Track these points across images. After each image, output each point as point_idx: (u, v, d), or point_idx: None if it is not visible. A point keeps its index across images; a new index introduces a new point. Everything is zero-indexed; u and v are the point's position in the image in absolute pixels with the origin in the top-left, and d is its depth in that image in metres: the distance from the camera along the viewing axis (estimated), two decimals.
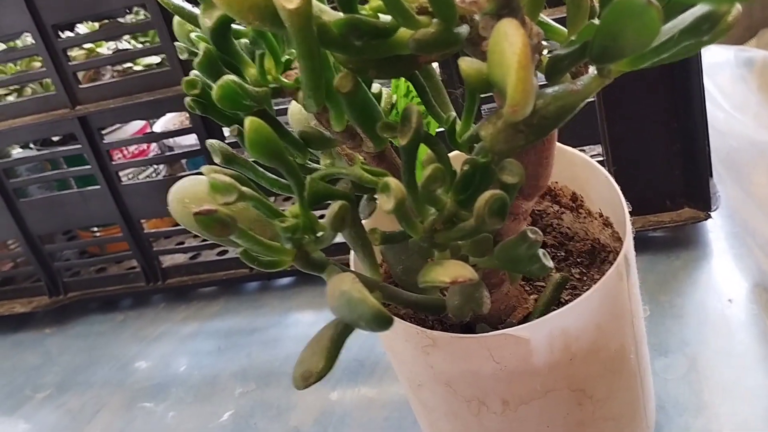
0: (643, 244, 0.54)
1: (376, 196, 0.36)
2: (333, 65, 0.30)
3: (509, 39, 0.22)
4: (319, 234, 0.29)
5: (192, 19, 0.32)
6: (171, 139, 0.70)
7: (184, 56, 0.33)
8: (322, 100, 0.29)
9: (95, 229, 0.72)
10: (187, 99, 0.31)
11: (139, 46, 0.65)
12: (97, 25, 0.60)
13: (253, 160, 0.30)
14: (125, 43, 0.64)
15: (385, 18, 0.27)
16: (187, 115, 0.72)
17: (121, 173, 0.65)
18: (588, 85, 0.27)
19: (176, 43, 0.33)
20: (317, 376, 0.29)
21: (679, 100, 0.49)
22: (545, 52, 0.29)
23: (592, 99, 0.50)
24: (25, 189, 0.67)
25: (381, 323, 0.25)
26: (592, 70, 0.27)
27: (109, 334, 0.66)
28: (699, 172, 0.51)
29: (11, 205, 0.65)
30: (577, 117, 0.53)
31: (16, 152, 0.72)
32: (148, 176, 0.70)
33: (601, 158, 0.53)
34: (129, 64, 0.65)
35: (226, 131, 0.60)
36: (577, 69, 0.31)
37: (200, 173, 0.57)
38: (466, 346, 0.33)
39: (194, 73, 0.31)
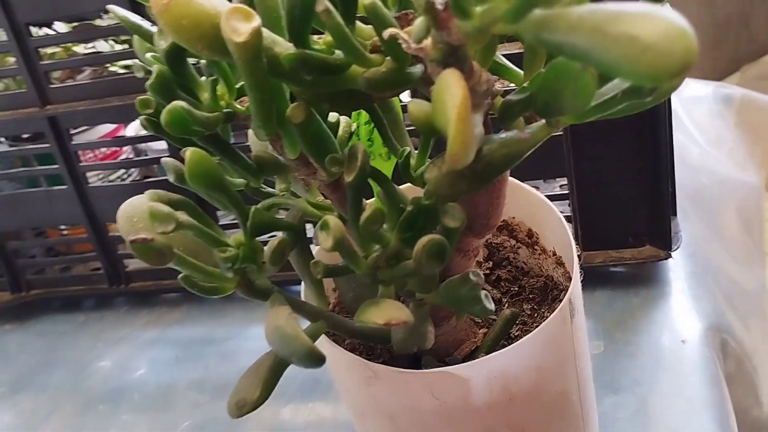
0: (603, 279, 0.55)
1: None
2: (289, 94, 0.30)
3: (450, 90, 0.22)
4: (263, 263, 0.29)
5: (149, 38, 0.32)
6: (144, 143, 0.70)
7: (140, 74, 0.32)
8: (273, 129, 0.29)
9: (63, 227, 0.71)
10: (141, 118, 0.31)
11: (118, 47, 0.65)
12: (71, 26, 0.59)
13: None
14: (103, 44, 0.64)
15: (340, 54, 0.27)
16: None
17: (91, 174, 0.65)
18: (536, 134, 0.27)
19: (134, 61, 0.33)
20: (252, 406, 0.29)
21: (646, 141, 0.49)
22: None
23: (560, 133, 0.50)
24: None
25: (313, 361, 0.25)
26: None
27: (70, 334, 0.66)
28: (662, 212, 0.51)
29: None
30: (543, 150, 0.53)
31: None
32: (119, 177, 0.70)
33: (566, 191, 0.53)
34: (107, 65, 0.65)
35: None
36: (530, 114, 0.31)
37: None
38: (407, 381, 0.33)
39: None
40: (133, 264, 0.68)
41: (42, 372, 0.62)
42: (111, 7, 0.31)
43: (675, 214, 0.54)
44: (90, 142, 0.64)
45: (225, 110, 0.31)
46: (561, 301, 0.39)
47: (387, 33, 0.24)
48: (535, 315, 0.40)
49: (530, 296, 0.41)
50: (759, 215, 0.72)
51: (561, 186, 0.62)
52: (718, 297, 0.54)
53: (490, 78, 0.27)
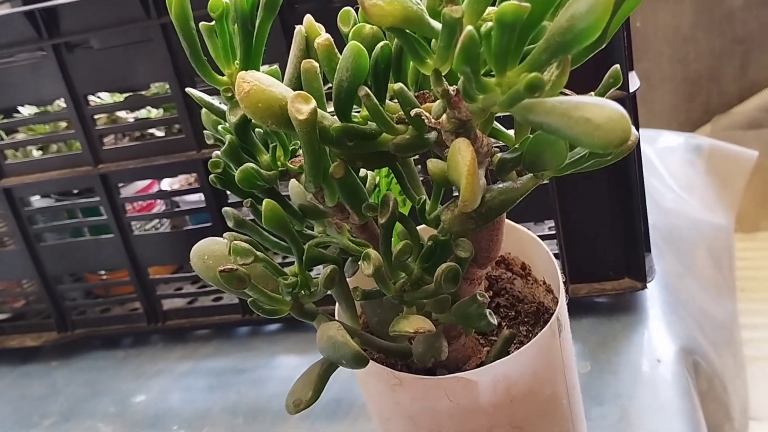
0: (588, 308, 0.62)
1: (358, 261, 0.44)
2: (329, 154, 0.38)
3: (461, 153, 0.31)
4: (313, 289, 0.37)
5: (220, 113, 0.40)
6: (177, 196, 0.78)
7: (210, 141, 0.41)
8: (319, 183, 0.37)
9: (102, 272, 0.79)
10: (212, 176, 0.39)
11: (154, 112, 0.74)
12: (122, 96, 0.68)
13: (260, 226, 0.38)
14: (144, 111, 0.73)
15: (372, 124, 0.35)
16: (194, 175, 0.79)
17: (134, 224, 0.72)
18: (525, 184, 0.35)
19: (205, 131, 0.41)
20: (306, 404, 0.37)
21: (621, 188, 0.58)
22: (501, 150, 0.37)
23: (546, 182, 0.59)
24: (41, 234, 0.74)
25: (359, 362, 0.33)
26: None
27: (111, 369, 0.73)
28: (637, 249, 0.59)
29: (31, 249, 0.72)
30: (533, 196, 0.62)
31: (34, 199, 0.80)
32: (153, 227, 0.78)
33: (553, 232, 0.61)
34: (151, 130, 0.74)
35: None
36: (520, 169, 0.39)
37: (207, 227, 0.66)
38: (426, 386, 0.40)
39: (216, 155, 0.39)
40: (168, 303, 0.75)
41: (88, 402, 0.69)
42: (190, 90, 0.39)
43: (649, 251, 0.62)
44: (136, 195, 0.72)
45: (281, 169, 0.39)
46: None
47: (414, 112, 0.32)
48: (530, 335, 0.47)
49: (525, 320, 0.48)
50: (728, 253, 0.80)
51: (549, 227, 0.71)
52: (690, 323, 0.62)
53: (489, 142, 0.35)
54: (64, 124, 0.70)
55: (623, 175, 0.57)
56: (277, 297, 0.36)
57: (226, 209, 0.40)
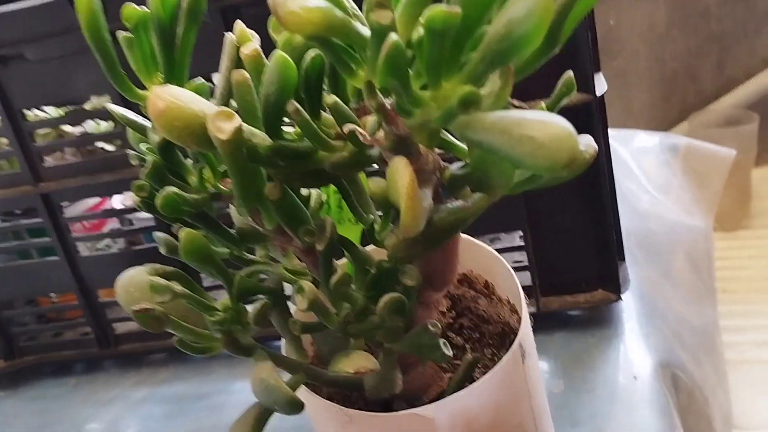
0: (562, 322, 0.59)
1: None
2: (266, 174, 0.35)
3: (399, 174, 0.27)
4: (247, 323, 0.34)
5: (142, 130, 0.36)
6: (131, 214, 0.74)
7: (134, 163, 0.37)
8: (252, 206, 0.34)
9: (53, 295, 0.75)
10: (137, 200, 0.36)
11: (103, 125, 0.70)
12: (62, 111, 0.64)
13: None
14: (90, 123, 0.69)
15: (306, 141, 0.32)
16: None
17: (80, 245, 0.69)
18: (477, 203, 0.32)
19: (128, 151, 0.37)
20: None
21: (591, 194, 0.54)
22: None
23: None
24: None
25: (293, 408, 0.30)
26: None
27: (62, 398, 0.69)
28: (609, 259, 0.56)
29: None
30: (502, 207, 0.59)
31: None
32: (105, 245, 0.74)
33: (523, 243, 0.58)
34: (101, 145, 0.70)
35: None
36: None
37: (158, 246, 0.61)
38: (379, 424, 0.37)
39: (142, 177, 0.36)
40: (121, 327, 0.71)
41: None
42: (110, 106, 0.36)
43: (623, 260, 0.59)
44: (81, 215, 0.68)
45: (211, 191, 0.35)
46: None
47: (347, 128, 0.29)
48: (495, 358, 0.44)
49: (490, 341, 0.45)
50: (707, 256, 0.77)
51: (520, 237, 0.67)
52: (668, 334, 0.59)
53: (436, 158, 0.32)
54: (5, 140, 0.66)
55: (594, 182, 0.54)
56: (206, 334, 0.33)
57: (157, 234, 0.37)
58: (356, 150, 0.32)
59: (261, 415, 0.33)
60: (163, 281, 0.29)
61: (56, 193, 0.62)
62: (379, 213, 0.39)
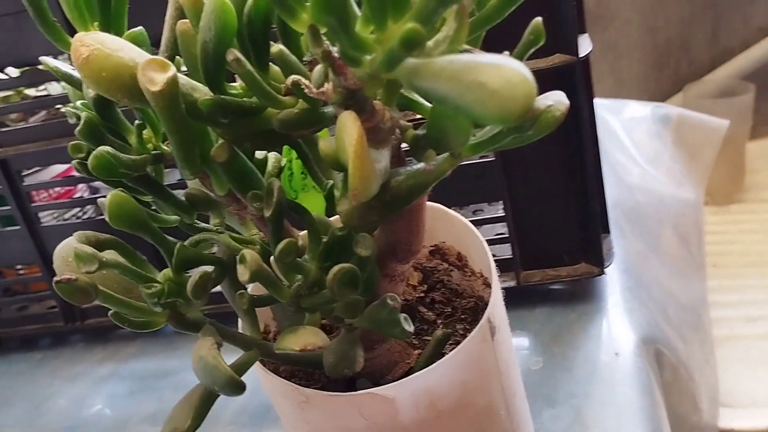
0: (542, 296, 0.57)
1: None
2: (213, 133, 0.32)
3: (347, 131, 0.25)
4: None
5: (78, 86, 0.33)
6: (98, 182, 0.71)
7: (72, 120, 0.34)
8: (196, 169, 0.31)
9: (19, 267, 0.72)
10: (74, 162, 0.33)
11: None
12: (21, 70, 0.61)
13: None
14: (56, 86, 0.66)
15: (254, 97, 0.29)
16: None
17: (45, 214, 0.66)
18: (440, 165, 0.29)
19: (65, 108, 0.34)
20: None
21: (575, 163, 0.52)
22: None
23: (492, 158, 0.53)
24: None
25: (233, 389, 0.27)
26: None
27: (27, 373, 0.67)
28: (593, 231, 0.53)
29: None
30: (479, 175, 0.56)
31: None
32: (74, 216, 0.71)
33: (502, 214, 0.55)
34: (58, 107, 0.66)
35: None
36: None
37: None
38: (337, 404, 0.34)
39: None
40: None
41: None
42: (43, 58, 0.33)
43: (608, 232, 0.56)
44: (42, 183, 0.65)
45: (153, 152, 0.32)
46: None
47: (290, 80, 0.26)
48: (467, 335, 0.42)
49: (462, 317, 0.42)
50: (697, 230, 0.74)
51: (504, 207, 0.65)
52: (653, 310, 0.57)
53: (394, 116, 0.29)
54: None
55: (577, 151, 0.51)
56: (144, 307, 0.30)
57: (100, 200, 0.34)
58: (308, 107, 0.29)
59: (206, 396, 0.31)
60: (89, 249, 0.27)
61: (15, 158, 0.59)
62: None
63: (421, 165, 0.30)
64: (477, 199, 0.59)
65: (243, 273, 0.27)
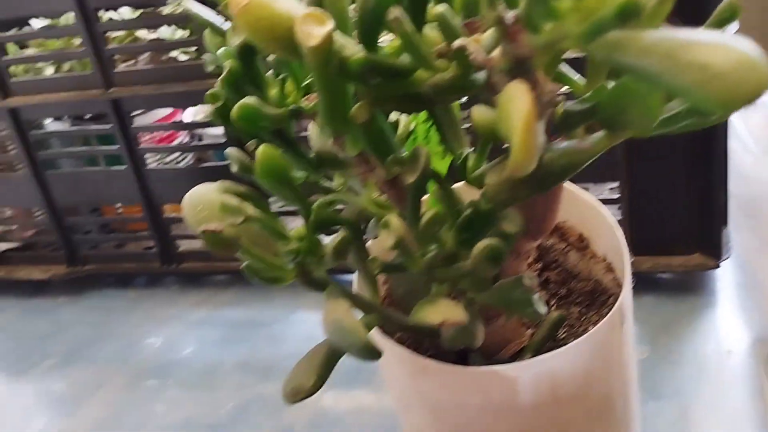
0: (650, 285, 0.55)
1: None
2: (353, 93, 0.31)
3: (516, 102, 0.23)
4: (322, 256, 0.30)
5: (221, 33, 0.33)
6: (201, 129, 0.72)
7: (210, 68, 0.34)
8: (337, 128, 0.30)
9: (118, 205, 0.73)
10: (211, 110, 0.32)
11: (179, 34, 0.67)
12: (137, 11, 0.61)
13: None
14: (165, 30, 0.66)
15: (406, 58, 0.28)
16: None
17: (148, 156, 0.66)
18: (596, 144, 0.27)
19: (204, 55, 0.34)
20: (306, 393, 0.30)
21: (702, 149, 0.49)
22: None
23: None
24: (53, 161, 0.69)
25: (369, 354, 0.26)
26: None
27: (121, 310, 0.68)
28: (713, 222, 0.51)
29: (39, 176, 0.67)
30: None
31: (48, 122, 0.74)
32: (174, 161, 0.72)
33: (616, 195, 0.53)
34: (168, 51, 0.67)
35: None
36: (590, 124, 0.31)
37: (229, 164, 0.58)
38: (455, 377, 0.33)
39: (218, 85, 0.32)
40: (185, 245, 0.70)
41: (93, 345, 0.64)
42: (186, 3, 0.32)
43: (726, 224, 0.54)
44: (150, 125, 0.65)
45: (291, 107, 0.32)
46: (609, 306, 0.40)
47: (456, 44, 0.25)
48: (582, 318, 0.40)
49: (578, 300, 0.41)
50: None
51: (611, 189, 0.62)
52: (766, 309, 0.54)
53: (554, 89, 0.27)
54: (78, 41, 0.64)
55: (706, 135, 0.49)
56: (277, 263, 0.29)
57: (229, 150, 0.33)
58: (460, 72, 0.28)
59: (330, 356, 0.30)
60: (235, 201, 0.26)
61: (127, 99, 0.60)
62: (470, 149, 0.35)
63: (573, 142, 0.28)
64: (588, 177, 0.57)
65: (387, 238, 0.26)
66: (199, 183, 0.66)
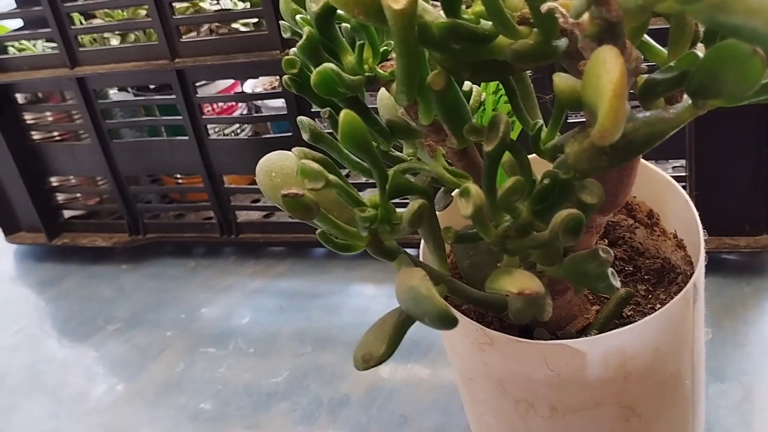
0: (715, 265, 0.54)
1: (451, 192, 0.37)
2: (428, 61, 0.31)
3: (607, 66, 0.23)
4: (395, 224, 0.30)
5: (298, 0, 0.33)
6: (259, 100, 0.72)
7: (287, 35, 0.34)
8: (413, 95, 0.30)
9: (178, 176, 0.75)
10: (285, 77, 0.32)
11: (240, 5, 0.67)
12: None
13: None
14: (228, 1, 0.66)
15: (486, 24, 0.28)
16: (278, 78, 0.73)
17: (210, 127, 0.67)
18: (680, 115, 0.27)
19: (281, 22, 0.34)
20: (377, 360, 0.31)
21: None
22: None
23: None
24: (117, 130, 0.70)
25: (446, 323, 0.26)
26: (686, 98, 0.27)
27: (180, 278, 0.69)
28: None
29: (104, 145, 0.68)
30: None
31: (113, 92, 0.76)
32: (233, 132, 0.72)
33: (683, 173, 0.52)
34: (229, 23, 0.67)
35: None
36: (672, 95, 0.30)
37: (288, 136, 0.59)
38: (523, 350, 0.33)
39: (293, 52, 0.33)
40: (243, 216, 0.71)
41: (155, 311, 0.66)
42: None
43: None
44: (213, 96, 0.66)
45: (367, 74, 0.32)
46: (678, 284, 0.39)
47: (545, 7, 0.24)
48: (650, 296, 0.40)
49: (645, 277, 0.40)
50: None
51: (674, 168, 0.61)
52: None
53: (639, 56, 0.27)
54: (144, 12, 0.65)
55: None
56: (352, 231, 0.30)
57: (301, 118, 0.34)
58: (543, 38, 0.27)
59: (401, 325, 0.30)
60: (316, 166, 0.26)
61: (191, 70, 0.61)
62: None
63: (657, 111, 0.28)
64: (654, 155, 0.56)
65: (466, 207, 0.26)
66: (259, 155, 0.67)
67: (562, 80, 0.27)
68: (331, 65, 0.29)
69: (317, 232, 0.30)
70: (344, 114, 0.26)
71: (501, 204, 0.28)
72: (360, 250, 0.31)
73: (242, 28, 0.68)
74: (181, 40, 0.60)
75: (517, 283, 0.27)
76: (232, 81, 0.71)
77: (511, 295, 0.28)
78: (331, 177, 0.27)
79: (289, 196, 0.26)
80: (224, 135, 0.72)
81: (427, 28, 0.27)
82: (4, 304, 0.71)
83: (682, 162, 0.54)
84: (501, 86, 0.41)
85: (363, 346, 0.31)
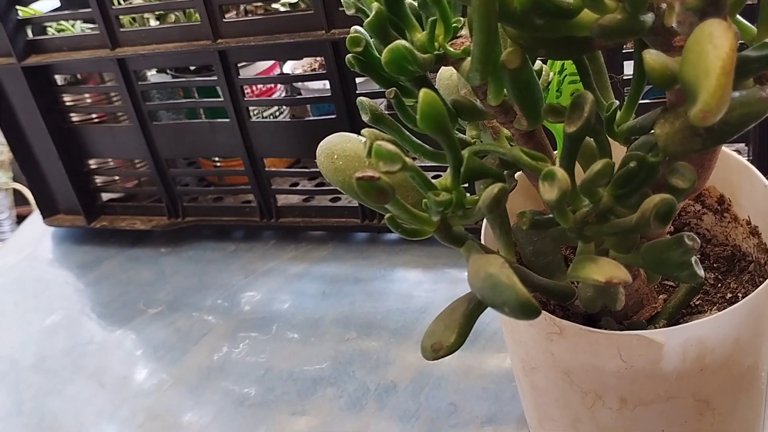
0: None
1: (516, 174, 0.35)
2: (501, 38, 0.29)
3: (714, 41, 0.21)
4: (467, 209, 0.29)
5: None
6: (299, 82, 0.71)
7: (351, 11, 0.32)
8: (488, 74, 0.28)
9: (216, 159, 0.74)
10: (349, 56, 0.31)
11: None
12: None
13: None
14: None
15: None
16: (320, 60, 0.72)
17: (251, 109, 0.66)
18: None
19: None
20: (447, 350, 0.29)
21: None
22: None
23: None
24: (155, 112, 0.69)
25: (528, 312, 0.25)
26: None
27: (220, 261, 0.69)
28: None
29: (144, 127, 0.67)
30: None
31: (151, 74, 0.75)
32: (271, 114, 0.71)
33: (745, 158, 0.50)
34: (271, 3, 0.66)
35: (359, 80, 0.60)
36: (762, 74, 0.29)
37: (330, 119, 0.57)
38: (594, 340, 0.32)
39: (356, 30, 0.31)
40: (283, 199, 0.70)
41: (195, 295, 0.65)
42: None
43: None
44: (256, 77, 0.65)
45: (437, 52, 0.30)
46: (749, 273, 0.38)
47: None
48: (719, 285, 0.38)
49: (714, 265, 0.39)
50: None
51: (748, 151, 0.59)
52: None
53: (738, 32, 0.25)
54: None
55: None
56: (423, 216, 0.28)
57: (362, 99, 0.32)
58: (631, 13, 0.26)
59: (471, 312, 0.29)
60: (393, 147, 0.25)
61: (234, 50, 0.59)
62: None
63: (752, 90, 0.26)
64: None
65: (550, 191, 0.25)
66: (301, 137, 0.65)
67: (653, 57, 0.25)
68: (404, 42, 0.28)
69: (386, 217, 0.29)
70: (424, 93, 0.24)
71: (584, 189, 0.27)
72: (428, 235, 0.30)
73: (282, 9, 0.66)
74: (224, 20, 0.59)
75: (604, 271, 0.25)
76: (271, 62, 0.70)
77: (593, 283, 0.27)
78: (408, 160, 0.26)
79: (365, 179, 0.24)
80: (263, 117, 0.71)
81: (508, 2, 0.26)
82: (44, 286, 0.71)
83: (742, 146, 0.52)
84: (565, 66, 0.40)
85: (432, 335, 0.30)
